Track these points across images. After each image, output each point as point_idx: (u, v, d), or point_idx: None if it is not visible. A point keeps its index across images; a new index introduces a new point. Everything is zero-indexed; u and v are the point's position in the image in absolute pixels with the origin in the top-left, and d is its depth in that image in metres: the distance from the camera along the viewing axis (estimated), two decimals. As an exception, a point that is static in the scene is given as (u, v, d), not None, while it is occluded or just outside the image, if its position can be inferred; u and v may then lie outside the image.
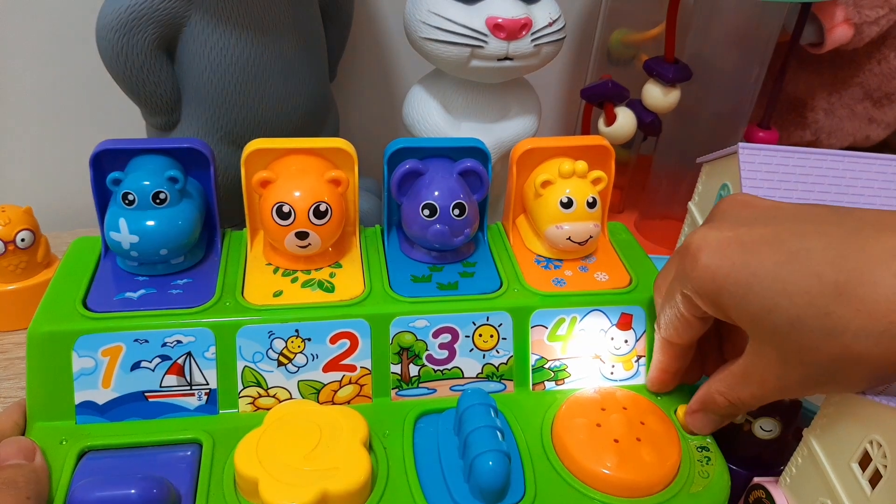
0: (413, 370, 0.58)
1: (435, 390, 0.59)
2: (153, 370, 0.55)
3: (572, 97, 1.12)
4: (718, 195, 0.67)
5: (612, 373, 0.61)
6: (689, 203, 0.75)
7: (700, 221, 0.71)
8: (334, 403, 0.57)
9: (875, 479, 0.43)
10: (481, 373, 0.59)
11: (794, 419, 0.56)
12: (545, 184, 0.62)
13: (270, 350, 0.56)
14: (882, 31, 0.90)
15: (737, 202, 0.51)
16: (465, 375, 0.59)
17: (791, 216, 0.47)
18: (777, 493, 0.53)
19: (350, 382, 0.57)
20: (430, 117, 0.77)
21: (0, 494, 0.45)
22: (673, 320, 0.54)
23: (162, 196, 0.56)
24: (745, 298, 0.45)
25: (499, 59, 0.71)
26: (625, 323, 0.61)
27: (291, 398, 0.57)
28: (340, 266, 0.62)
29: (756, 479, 0.55)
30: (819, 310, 0.42)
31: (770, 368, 0.47)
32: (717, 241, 0.48)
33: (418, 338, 0.58)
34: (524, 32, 0.70)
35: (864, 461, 0.45)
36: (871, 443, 0.44)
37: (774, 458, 0.57)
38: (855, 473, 0.45)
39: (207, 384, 0.55)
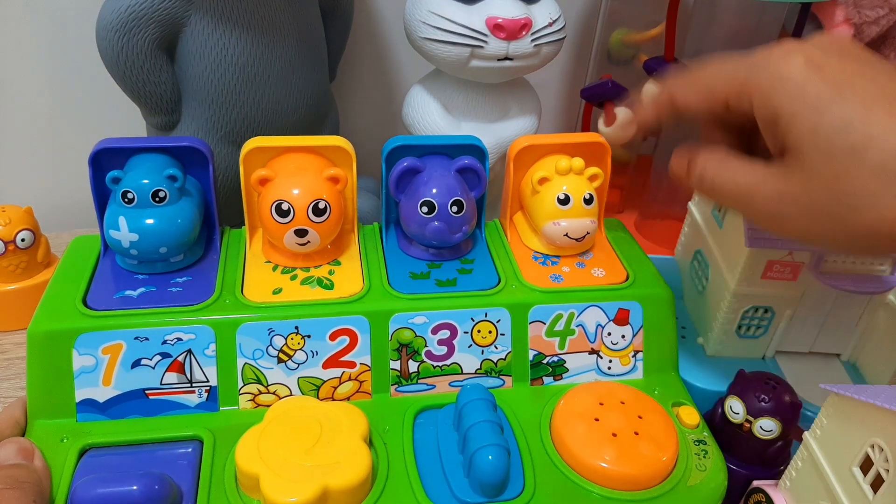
0: (412, 366, 0.58)
1: (434, 386, 0.59)
2: (153, 368, 0.55)
3: (572, 97, 1.12)
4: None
5: (609, 368, 0.61)
6: (689, 203, 0.75)
7: (700, 221, 0.72)
8: (334, 400, 0.57)
9: (877, 484, 0.43)
10: (480, 368, 0.59)
11: (794, 420, 0.56)
12: (542, 180, 0.62)
13: (270, 347, 0.56)
14: (882, 32, 0.90)
15: (833, 38, 0.46)
16: (464, 371, 0.59)
17: (887, 66, 0.44)
18: (777, 496, 0.53)
19: (350, 379, 0.57)
20: (430, 117, 0.77)
21: (2, 494, 0.45)
22: (685, 95, 0.51)
23: (161, 194, 0.56)
24: (822, 113, 0.42)
25: (499, 59, 0.71)
26: (622, 318, 0.61)
27: (291, 395, 0.57)
28: (339, 263, 0.62)
29: (756, 483, 0.55)
30: (884, 151, 0.40)
31: (776, 193, 0.44)
32: (816, 52, 0.44)
33: (417, 334, 0.58)
34: (524, 32, 0.70)
35: (866, 465, 0.45)
36: (872, 446, 0.44)
37: (774, 458, 0.57)
38: (856, 477, 0.45)
39: (208, 381, 0.56)
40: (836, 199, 0.41)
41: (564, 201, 0.62)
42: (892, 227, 0.40)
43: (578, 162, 0.62)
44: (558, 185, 0.62)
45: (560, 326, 0.60)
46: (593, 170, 0.63)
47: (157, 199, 0.56)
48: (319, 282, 0.59)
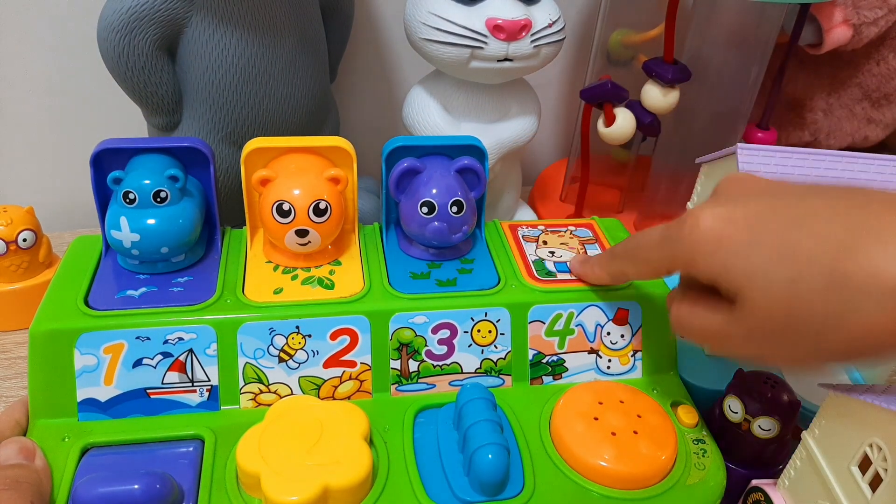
0: (412, 366, 0.58)
1: (434, 385, 0.59)
2: (155, 367, 0.55)
3: (572, 98, 1.12)
4: (717, 194, 0.67)
5: (608, 367, 0.61)
6: (689, 203, 0.75)
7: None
8: (335, 399, 0.58)
9: (875, 483, 0.44)
10: (480, 368, 0.59)
11: (792, 419, 0.56)
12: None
13: (271, 347, 0.56)
14: (881, 32, 0.91)
15: (737, 180, 0.49)
16: (464, 370, 0.59)
17: (796, 189, 0.46)
18: (776, 495, 0.53)
19: (350, 378, 0.57)
20: (430, 118, 0.77)
21: (2, 495, 0.45)
22: (634, 271, 0.55)
23: (162, 195, 0.57)
24: (746, 256, 0.43)
25: (498, 60, 0.71)
26: (621, 318, 0.61)
27: (292, 394, 0.57)
28: (340, 263, 0.62)
29: (754, 482, 0.55)
30: (823, 267, 0.40)
31: (746, 335, 0.45)
32: (720, 209, 0.45)
33: (417, 334, 0.58)
34: (524, 33, 0.70)
35: (864, 464, 0.45)
36: (870, 446, 0.44)
37: (773, 457, 0.57)
38: (854, 476, 0.45)
39: (209, 381, 0.56)
40: (798, 332, 0.42)
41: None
42: (862, 337, 0.40)
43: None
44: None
45: (560, 326, 0.60)
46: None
47: (159, 199, 0.57)
48: (320, 282, 0.60)
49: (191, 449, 0.53)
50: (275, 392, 0.57)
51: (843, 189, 0.44)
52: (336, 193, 0.59)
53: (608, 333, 0.61)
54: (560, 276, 0.62)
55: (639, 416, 0.55)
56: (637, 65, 0.88)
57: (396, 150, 0.61)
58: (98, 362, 0.54)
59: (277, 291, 0.58)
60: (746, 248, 0.43)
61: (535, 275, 0.62)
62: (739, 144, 0.62)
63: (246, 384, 0.56)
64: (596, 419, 0.55)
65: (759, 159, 0.62)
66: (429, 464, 0.53)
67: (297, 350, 0.56)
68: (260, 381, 0.56)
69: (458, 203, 0.60)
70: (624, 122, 0.84)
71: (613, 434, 0.54)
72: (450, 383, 0.59)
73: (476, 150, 0.62)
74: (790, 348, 0.43)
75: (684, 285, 0.51)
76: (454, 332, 0.59)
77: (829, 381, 0.49)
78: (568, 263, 0.63)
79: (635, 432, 0.54)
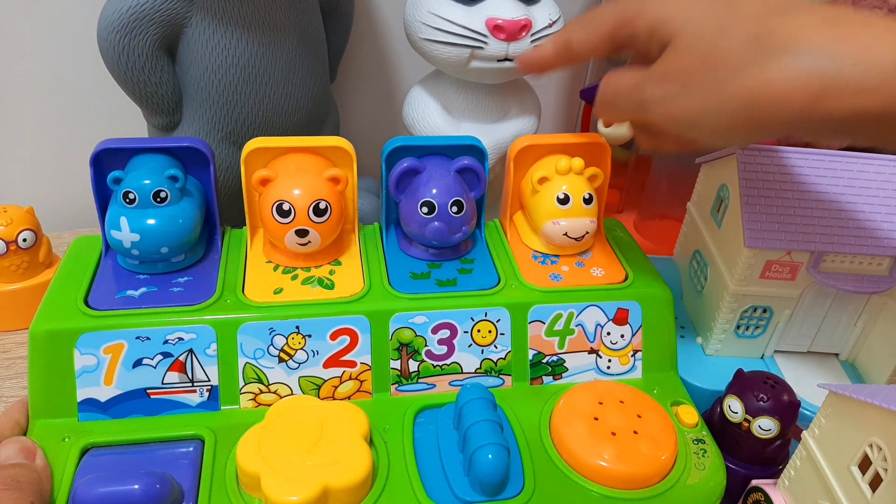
0: (412, 366, 0.58)
1: (434, 385, 0.59)
2: (155, 367, 0.55)
3: (572, 98, 1.12)
4: (717, 195, 0.67)
5: (608, 367, 0.61)
6: (689, 203, 0.75)
7: (699, 222, 0.72)
8: (335, 399, 0.58)
9: (875, 483, 0.44)
10: (480, 368, 0.60)
11: (792, 419, 0.56)
12: (542, 180, 0.62)
13: (271, 347, 0.56)
14: (880, 31, 0.90)
15: None
16: (464, 370, 0.59)
17: None
18: (776, 495, 0.53)
19: (350, 378, 0.58)
20: (430, 118, 0.77)
21: (2, 494, 0.45)
22: (582, 34, 0.55)
23: (162, 195, 0.57)
24: (688, 7, 0.47)
25: (498, 60, 0.71)
26: (621, 318, 0.61)
27: (292, 394, 0.57)
28: (340, 263, 0.62)
29: (754, 482, 0.55)
30: (752, 20, 0.44)
31: (661, 73, 0.48)
32: None
33: (417, 334, 0.58)
34: (524, 33, 0.70)
35: (864, 464, 0.45)
36: (870, 446, 0.44)
37: (773, 457, 0.57)
38: (854, 476, 0.45)
39: (209, 381, 0.56)
40: (711, 69, 0.45)
41: (564, 201, 0.62)
42: (765, 94, 0.43)
43: (578, 162, 0.62)
44: (558, 185, 0.62)
45: (559, 326, 0.60)
46: (593, 170, 0.63)
47: (159, 199, 0.57)
48: (320, 282, 0.60)
49: (191, 449, 0.53)
50: (275, 392, 0.57)
51: None
52: (336, 193, 0.59)
53: (608, 333, 0.61)
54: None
55: (639, 416, 0.55)
56: (637, 65, 0.88)
57: (396, 150, 0.61)
58: (98, 362, 0.54)
59: (277, 291, 0.58)
60: (689, 4, 0.48)
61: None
62: (739, 144, 0.62)
63: (246, 384, 0.56)
64: (596, 419, 0.55)
65: (758, 159, 0.62)
66: (429, 464, 0.53)
67: (297, 350, 0.56)
68: (260, 381, 0.56)
69: (458, 203, 0.60)
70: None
71: (613, 434, 0.54)
72: (450, 383, 0.59)
73: (476, 150, 0.62)
74: (698, 88, 0.46)
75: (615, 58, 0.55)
76: (454, 332, 0.59)
77: (828, 381, 0.49)
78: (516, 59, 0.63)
79: (635, 432, 0.54)
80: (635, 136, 0.58)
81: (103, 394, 0.54)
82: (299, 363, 0.57)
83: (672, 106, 0.48)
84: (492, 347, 0.59)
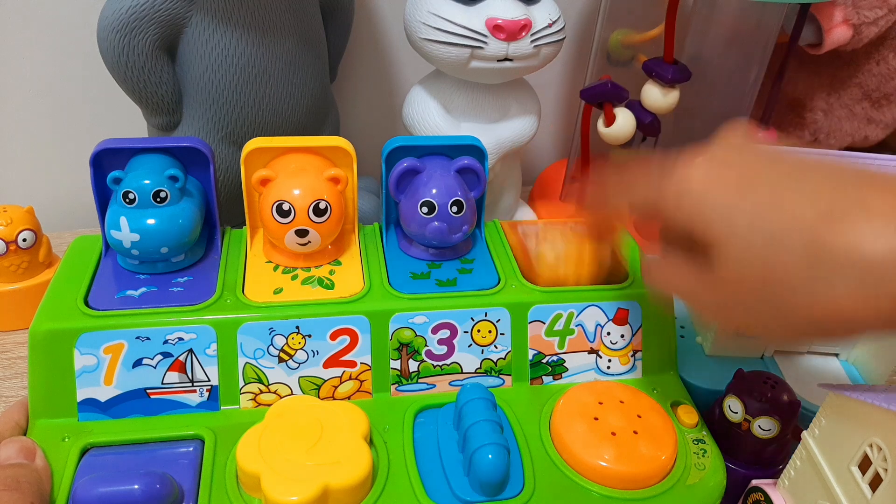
0: (412, 366, 0.58)
1: (434, 385, 0.59)
2: (155, 367, 0.55)
3: (572, 98, 1.12)
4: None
5: (608, 367, 0.61)
6: None
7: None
8: (335, 399, 0.58)
9: (875, 483, 0.44)
10: (480, 368, 0.60)
11: (792, 419, 0.56)
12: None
13: (271, 347, 0.56)
14: (881, 32, 0.91)
15: (735, 143, 0.47)
16: (464, 370, 0.59)
17: (791, 157, 0.45)
18: (775, 495, 0.53)
19: (350, 378, 0.58)
20: (430, 118, 0.77)
21: (2, 494, 0.45)
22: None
23: (162, 195, 0.57)
24: (729, 216, 0.42)
25: (498, 60, 0.71)
26: (621, 318, 0.61)
27: (292, 394, 0.57)
28: (340, 263, 0.62)
29: (754, 482, 0.55)
30: (804, 232, 0.40)
31: (717, 293, 0.45)
32: (712, 167, 0.45)
33: (417, 334, 0.58)
34: (524, 33, 0.70)
35: (864, 464, 0.45)
36: (870, 446, 0.44)
37: (773, 457, 0.57)
38: (854, 476, 0.45)
39: (209, 381, 0.56)
40: (767, 287, 0.41)
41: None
42: (832, 314, 0.39)
43: None
44: None
45: (559, 326, 0.60)
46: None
47: (159, 199, 0.57)
48: (320, 282, 0.60)
49: (191, 449, 0.53)
50: (275, 392, 0.57)
51: (838, 164, 0.43)
52: (336, 193, 0.59)
53: (608, 333, 0.61)
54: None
55: (639, 416, 0.55)
56: (637, 65, 0.88)
57: (396, 150, 0.61)
58: (98, 362, 0.54)
59: (277, 291, 0.58)
60: (730, 210, 0.43)
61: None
62: (739, 144, 0.62)
63: (246, 384, 0.56)
64: (596, 419, 0.55)
65: (759, 159, 0.62)
66: (429, 464, 0.53)
67: (297, 350, 0.56)
68: (260, 381, 0.56)
69: (458, 203, 0.60)
70: (624, 122, 0.84)
71: (613, 434, 0.54)
72: (450, 383, 0.59)
73: (476, 150, 0.62)
74: (758, 313, 0.42)
75: (663, 241, 0.51)
76: (454, 332, 0.59)
77: (828, 381, 0.49)
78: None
79: (635, 432, 0.54)
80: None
81: (103, 394, 0.54)
82: (299, 363, 0.57)
83: (731, 315, 0.45)
84: (492, 347, 0.59)
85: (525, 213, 0.93)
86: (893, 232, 0.37)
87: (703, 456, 0.55)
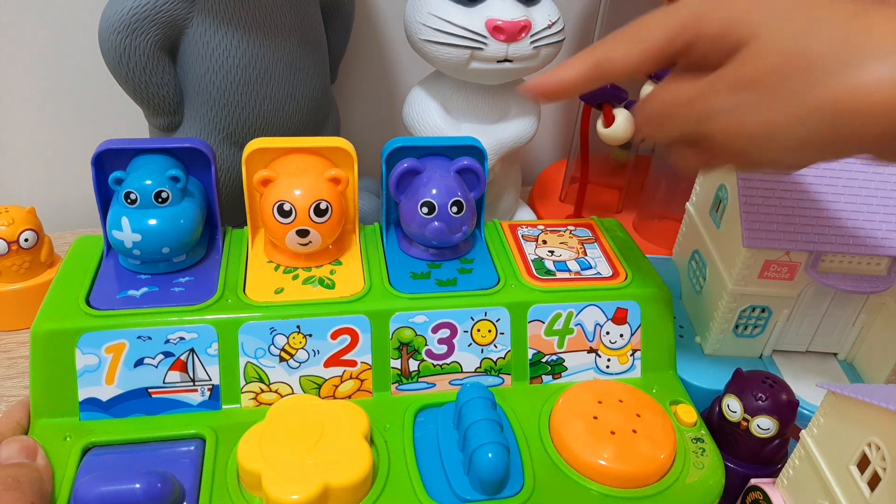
0: (413, 365, 0.59)
1: (434, 384, 0.59)
2: (156, 367, 0.55)
3: (571, 98, 1.12)
4: (716, 196, 0.67)
5: (608, 366, 0.62)
6: (687, 203, 0.75)
7: (698, 222, 0.72)
8: (335, 398, 0.58)
9: (873, 482, 0.44)
10: (480, 367, 0.60)
11: (791, 418, 0.56)
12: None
13: (272, 346, 0.56)
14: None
15: None
16: (464, 370, 0.60)
17: None
18: (774, 494, 0.53)
19: (351, 377, 0.58)
20: (430, 118, 0.77)
21: (3, 494, 0.45)
22: (625, 50, 0.49)
23: (164, 195, 0.57)
24: (766, 4, 0.42)
25: (498, 61, 0.71)
26: (620, 317, 0.61)
27: (293, 393, 0.57)
28: (340, 263, 0.62)
29: (753, 481, 0.56)
30: (838, 22, 0.40)
31: (732, 81, 0.43)
32: None
33: (418, 333, 0.58)
34: (523, 34, 0.70)
35: (863, 463, 0.45)
36: (869, 445, 0.44)
37: (771, 456, 0.57)
38: (853, 476, 0.45)
39: (210, 380, 0.56)
40: (797, 73, 0.40)
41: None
42: (860, 101, 0.38)
43: None
44: None
45: (559, 325, 0.60)
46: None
47: (160, 199, 0.57)
48: (321, 281, 0.60)
49: (192, 448, 0.53)
50: (276, 391, 0.57)
51: None
52: (337, 193, 0.60)
53: (607, 333, 0.61)
54: (559, 276, 0.62)
55: (638, 416, 0.55)
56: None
57: (396, 150, 0.61)
58: (99, 362, 0.54)
59: (278, 291, 0.59)
60: (768, 1, 0.42)
61: (535, 274, 0.62)
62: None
63: (247, 383, 0.56)
64: (595, 418, 0.55)
65: (757, 159, 0.62)
66: (429, 463, 0.53)
67: (297, 349, 0.57)
68: (261, 381, 0.57)
69: (457, 203, 0.60)
70: (623, 122, 0.84)
71: (613, 433, 0.54)
72: (450, 382, 0.59)
73: (476, 151, 0.63)
74: (780, 95, 0.41)
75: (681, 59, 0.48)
76: (454, 331, 0.59)
77: (827, 380, 0.49)
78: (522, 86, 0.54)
79: (634, 431, 0.54)
80: (675, 156, 0.51)
81: (105, 393, 0.55)
82: (300, 362, 0.57)
83: (746, 117, 0.42)
84: (491, 347, 0.60)
85: (525, 213, 0.93)
86: None
87: (701, 455, 0.56)
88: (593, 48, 0.50)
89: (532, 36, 0.71)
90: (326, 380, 0.57)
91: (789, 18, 0.41)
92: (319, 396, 0.57)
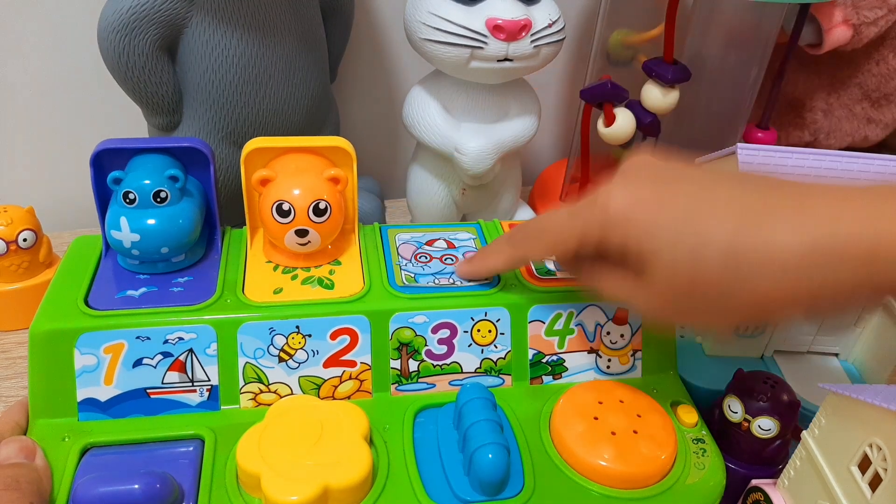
0: (412, 365, 0.58)
1: (434, 385, 0.59)
2: (155, 367, 0.55)
3: (572, 98, 1.12)
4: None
5: (608, 367, 0.61)
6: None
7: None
8: (335, 399, 0.58)
9: (875, 483, 0.44)
10: (480, 367, 0.60)
11: (792, 419, 0.56)
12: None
13: (271, 346, 0.56)
14: (881, 32, 0.91)
15: (641, 163, 0.51)
16: (464, 370, 0.59)
17: (696, 174, 0.49)
18: (775, 495, 0.53)
19: (350, 378, 0.58)
20: (430, 118, 0.77)
21: (1, 494, 0.45)
22: (539, 251, 0.57)
23: (162, 195, 0.57)
24: (653, 234, 0.46)
25: (498, 60, 0.71)
26: (621, 317, 0.61)
27: (292, 394, 0.57)
28: (340, 263, 0.62)
29: (754, 482, 0.55)
30: (721, 243, 0.43)
31: (654, 298, 0.48)
32: (629, 190, 0.48)
33: (417, 333, 0.58)
34: (524, 34, 0.70)
35: (864, 464, 0.45)
36: (870, 446, 0.44)
37: (773, 457, 0.57)
38: (854, 476, 0.45)
39: (209, 380, 0.56)
40: (699, 296, 0.45)
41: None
42: (759, 307, 0.44)
43: None
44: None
45: (559, 325, 0.60)
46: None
47: (159, 199, 0.57)
48: (320, 281, 0.60)
49: (191, 449, 0.53)
50: (275, 392, 0.57)
51: (739, 176, 0.49)
52: (336, 193, 0.59)
53: (608, 333, 0.61)
54: (560, 276, 0.62)
55: (638, 416, 0.55)
56: (637, 65, 0.88)
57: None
58: (98, 362, 0.54)
59: (277, 291, 0.58)
60: (653, 227, 0.46)
61: (535, 274, 0.62)
62: (739, 144, 0.62)
63: (246, 384, 0.56)
64: (596, 419, 0.55)
65: (758, 159, 0.62)
66: (429, 463, 0.53)
67: (297, 350, 0.57)
68: (260, 381, 0.56)
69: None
70: (624, 122, 0.84)
71: (613, 434, 0.54)
72: (450, 383, 0.59)
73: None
74: (695, 313, 0.47)
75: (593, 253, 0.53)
76: (454, 331, 0.59)
77: (828, 381, 0.49)
78: (455, 270, 0.62)
79: (635, 432, 0.54)
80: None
81: (103, 393, 0.54)
82: (299, 363, 0.57)
83: (669, 316, 0.50)
84: (492, 347, 0.59)
85: (525, 213, 0.93)
86: (801, 227, 0.42)
87: (702, 456, 0.55)
88: (512, 244, 0.58)
89: (532, 35, 0.71)
90: (326, 380, 0.57)
91: (678, 240, 0.45)
92: (319, 397, 0.57)
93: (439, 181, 0.82)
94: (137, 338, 0.54)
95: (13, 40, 0.88)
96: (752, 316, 0.46)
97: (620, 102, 0.85)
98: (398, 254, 0.64)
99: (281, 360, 0.56)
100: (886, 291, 0.42)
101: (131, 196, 0.56)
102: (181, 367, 0.55)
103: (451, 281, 0.61)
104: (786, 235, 0.42)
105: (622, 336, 0.61)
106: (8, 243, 0.72)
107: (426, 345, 0.58)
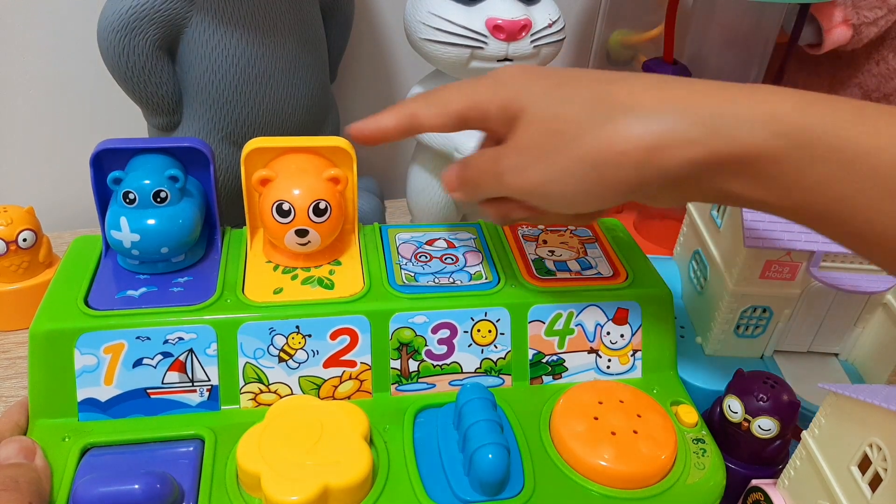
0: (412, 365, 0.58)
1: (434, 385, 0.59)
2: (155, 367, 0.55)
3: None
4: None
5: (608, 367, 0.61)
6: (688, 204, 0.75)
7: (699, 221, 0.72)
8: (335, 399, 0.58)
9: (875, 483, 0.44)
10: (480, 367, 0.59)
11: (792, 419, 0.56)
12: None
13: (271, 346, 0.56)
14: (880, 32, 0.91)
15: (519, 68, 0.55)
16: (464, 370, 0.59)
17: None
18: (775, 495, 0.53)
19: (350, 378, 0.58)
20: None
21: (1, 494, 0.45)
22: (428, 112, 0.56)
23: (162, 195, 0.57)
24: (534, 86, 0.51)
25: (498, 60, 0.71)
26: (621, 317, 0.61)
27: (292, 394, 0.57)
28: (340, 263, 0.62)
29: (754, 482, 0.56)
30: (594, 91, 0.48)
31: (513, 149, 0.51)
32: (517, 67, 0.54)
33: (417, 333, 0.58)
34: (524, 34, 0.70)
35: (864, 464, 0.45)
36: (870, 446, 0.44)
37: (773, 457, 0.57)
38: (854, 476, 0.45)
39: (209, 381, 0.56)
40: (558, 136, 0.48)
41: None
42: (609, 151, 0.46)
43: None
44: None
45: (559, 326, 0.60)
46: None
47: (159, 199, 0.57)
48: (320, 281, 0.60)
49: (191, 449, 0.53)
50: (275, 392, 0.57)
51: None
52: (336, 193, 0.59)
53: (608, 333, 0.61)
54: (560, 276, 0.62)
55: (639, 416, 0.55)
56: (637, 65, 0.88)
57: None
58: (98, 362, 0.54)
59: (277, 291, 0.58)
60: (535, 81, 0.51)
61: (535, 274, 0.62)
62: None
63: (246, 384, 0.56)
64: (596, 419, 0.55)
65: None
66: (429, 463, 0.53)
67: (297, 350, 0.56)
68: (260, 381, 0.56)
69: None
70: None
71: (613, 434, 0.54)
72: (450, 383, 0.59)
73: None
74: (547, 154, 0.49)
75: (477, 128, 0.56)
76: (454, 331, 0.59)
77: (828, 381, 0.49)
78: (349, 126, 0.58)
79: (635, 432, 0.54)
80: (482, 213, 0.60)
81: (103, 394, 0.54)
82: (299, 363, 0.57)
83: (525, 175, 0.50)
84: (492, 347, 0.59)
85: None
86: (657, 87, 0.47)
87: (702, 455, 0.55)
88: (405, 104, 0.58)
89: (532, 35, 0.71)
90: (326, 380, 0.57)
91: (549, 94, 0.50)
92: (319, 397, 0.57)
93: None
94: (137, 338, 0.54)
95: (14, 40, 0.88)
96: (602, 161, 0.47)
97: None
98: (398, 253, 0.64)
99: (281, 360, 0.56)
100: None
101: (131, 196, 0.56)
102: (181, 368, 0.55)
103: (451, 280, 0.61)
104: (645, 89, 0.47)
105: (622, 336, 0.61)
106: (8, 243, 0.72)
107: (426, 345, 0.58)
